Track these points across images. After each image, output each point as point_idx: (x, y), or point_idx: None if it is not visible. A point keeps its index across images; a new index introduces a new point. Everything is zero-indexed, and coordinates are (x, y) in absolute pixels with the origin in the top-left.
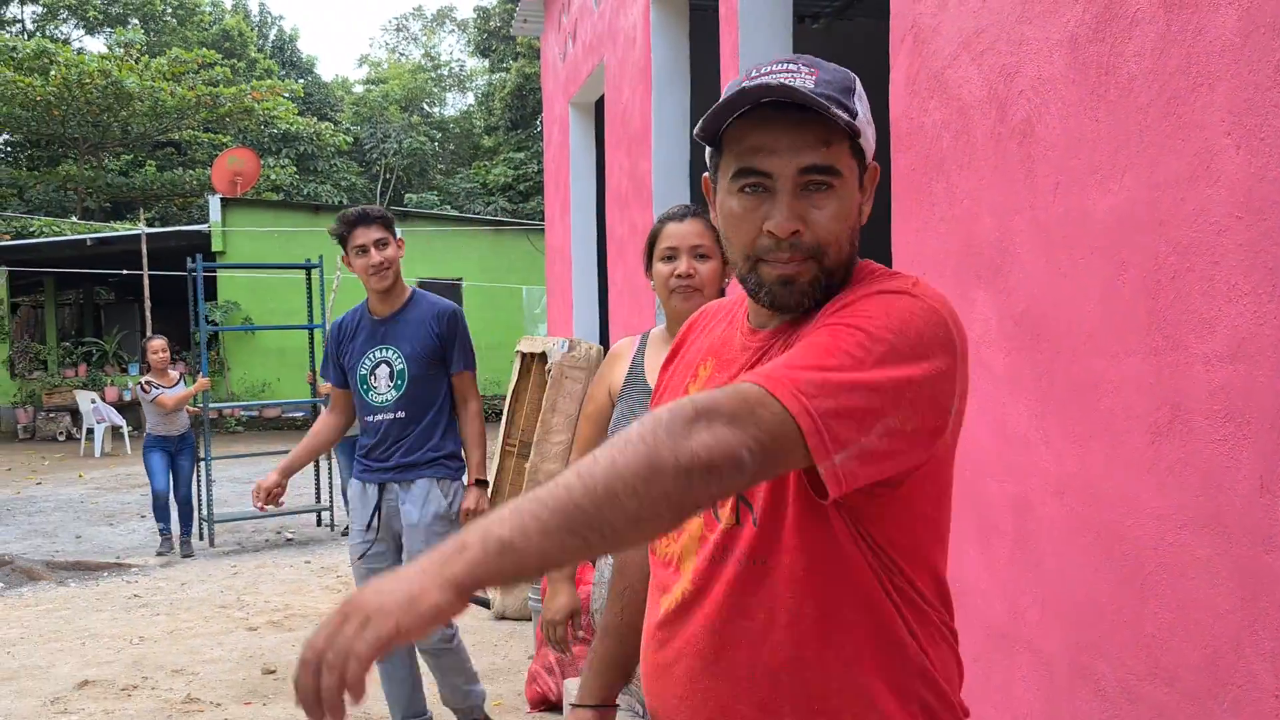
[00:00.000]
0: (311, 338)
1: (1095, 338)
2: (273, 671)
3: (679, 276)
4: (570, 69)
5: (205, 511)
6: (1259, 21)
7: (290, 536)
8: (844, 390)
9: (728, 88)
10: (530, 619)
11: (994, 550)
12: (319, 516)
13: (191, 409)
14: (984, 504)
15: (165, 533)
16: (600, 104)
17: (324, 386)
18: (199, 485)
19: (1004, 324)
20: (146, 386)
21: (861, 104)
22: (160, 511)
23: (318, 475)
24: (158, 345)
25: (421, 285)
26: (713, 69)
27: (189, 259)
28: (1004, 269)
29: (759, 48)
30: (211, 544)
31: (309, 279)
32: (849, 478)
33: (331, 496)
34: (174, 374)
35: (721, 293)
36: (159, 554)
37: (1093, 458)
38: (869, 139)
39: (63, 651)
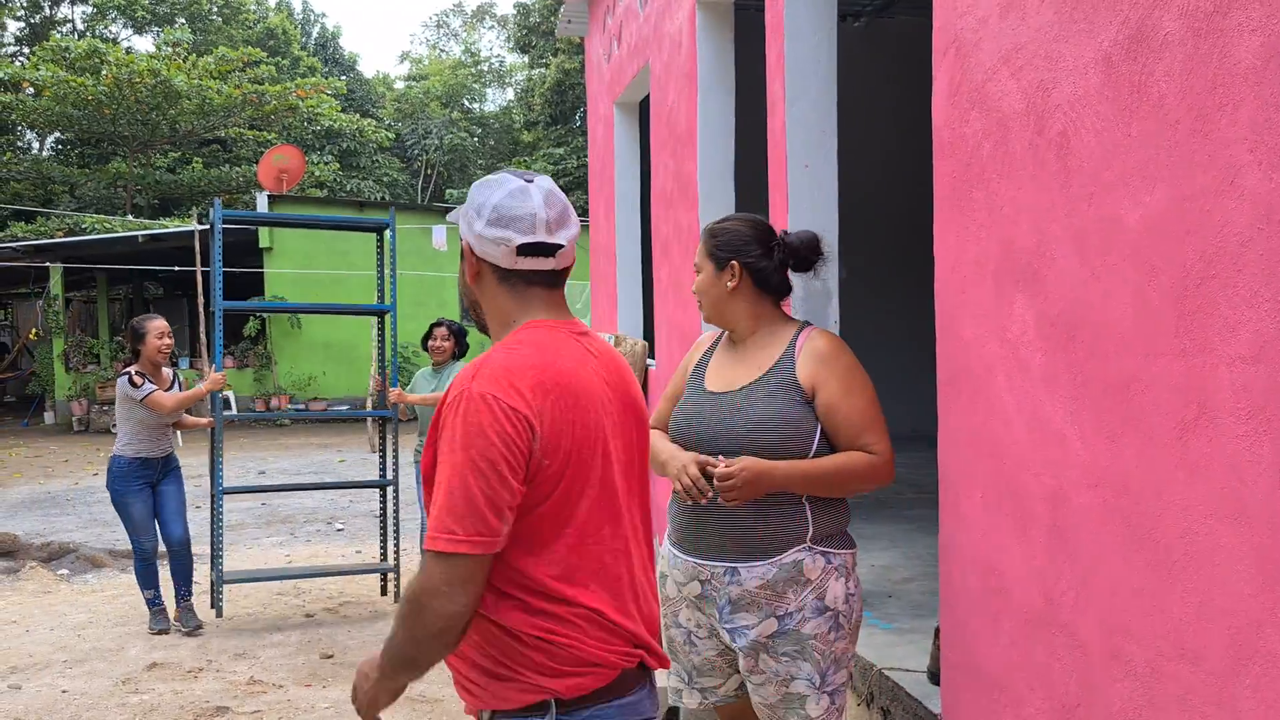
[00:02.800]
0: (381, 325)
1: (1127, 339)
2: (330, 656)
3: None
4: (615, 70)
5: (214, 568)
6: (1279, 48)
7: (340, 528)
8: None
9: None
10: None
11: (1032, 540)
12: (383, 583)
13: (195, 420)
14: (1022, 497)
15: (157, 604)
16: (644, 104)
17: (394, 393)
18: (213, 525)
19: (1041, 326)
20: (137, 379)
21: (468, 202)
22: (149, 575)
23: (384, 526)
24: (162, 328)
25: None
26: (757, 71)
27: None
28: (1041, 274)
29: (805, 51)
30: (219, 614)
31: (380, 243)
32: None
33: (398, 555)
34: (168, 373)
35: (700, 306)
36: (155, 631)
37: (1125, 452)
38: (460, 225)
39: (130, 635)
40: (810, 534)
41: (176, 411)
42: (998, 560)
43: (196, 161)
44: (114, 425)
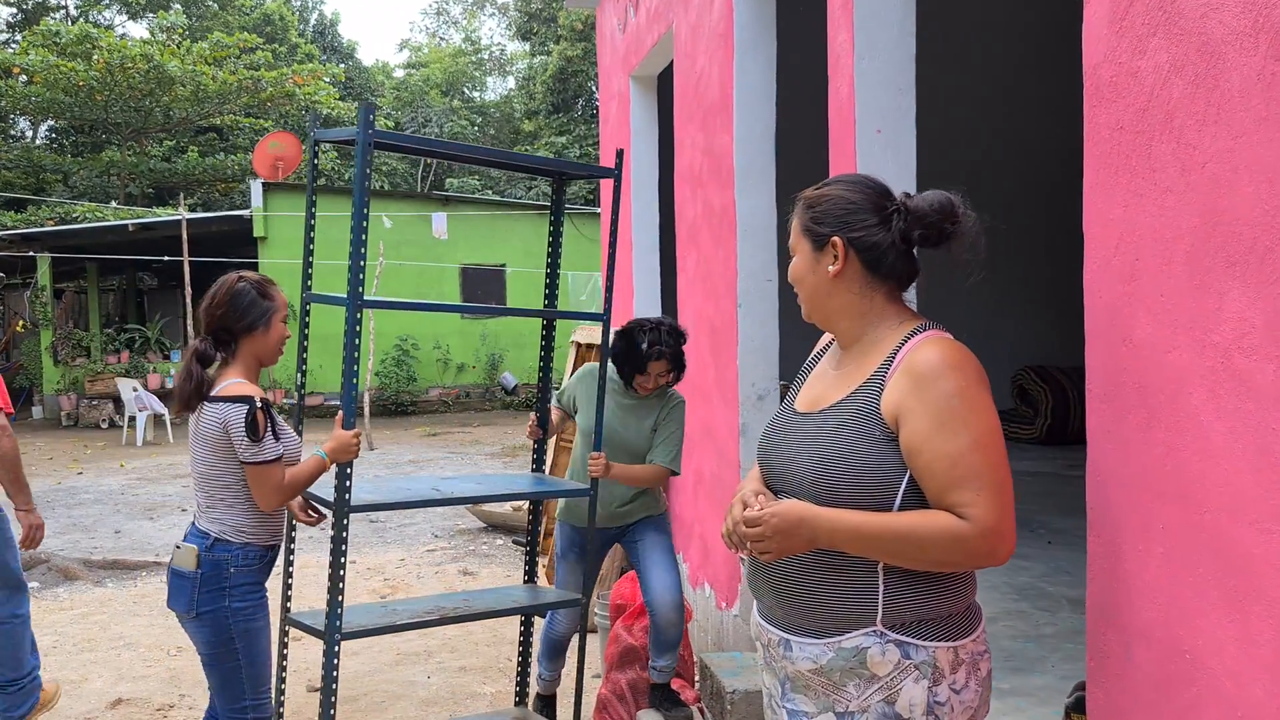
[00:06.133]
0: (550, 333)
1: None
2: (318, 689)
3: None
4: (631, 40)
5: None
6: None
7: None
8: None
9: None
10: (595, 632)
11: (1254, 619)
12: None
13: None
14: (1238, 556)
15: None
16: (664, 77)
17: (598, 461)
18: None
19: (1277, 325)
20: (263, 420)
21: None
22: None
23: (521, 656)
24: (286, 304)
25: (465, 271)
26: (800, 29)
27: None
28: (1277, 253)
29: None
30: None
31: (557, 195)
32: None
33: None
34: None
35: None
36: None
37: None
38: None
39: (96, 664)
40: (881, 616)
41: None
42: (1191, 639)
43: (192, 150)
44: (103, 421)
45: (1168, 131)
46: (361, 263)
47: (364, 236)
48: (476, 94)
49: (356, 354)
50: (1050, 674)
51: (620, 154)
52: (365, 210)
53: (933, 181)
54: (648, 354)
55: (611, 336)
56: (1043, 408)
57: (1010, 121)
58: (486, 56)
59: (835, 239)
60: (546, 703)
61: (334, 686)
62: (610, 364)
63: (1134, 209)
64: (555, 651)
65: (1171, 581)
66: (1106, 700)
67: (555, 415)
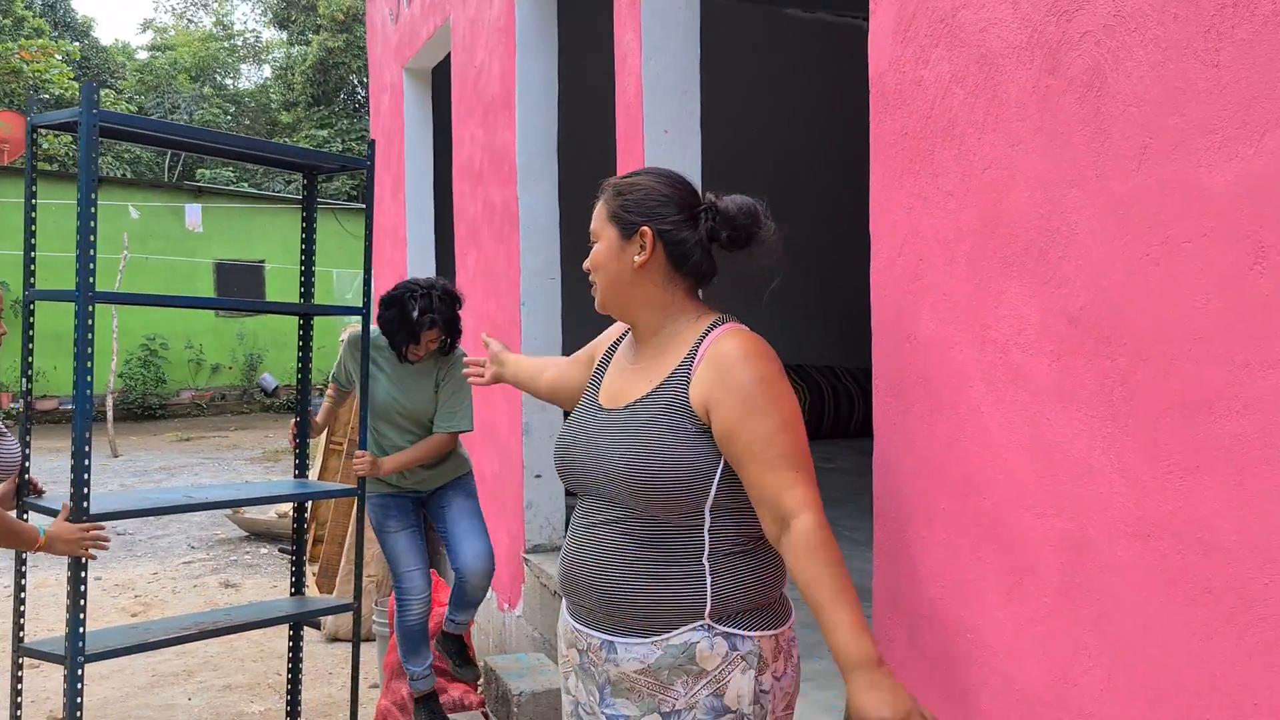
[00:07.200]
0: (308, 331)
1: (1209, 343)
2: None
3: None
4: (405, 32)
5: None
6: None
7: None
8: None
9: None
10: (373, 640)
11: (1030, 597)
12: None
13: None
14: (1015, 540)
15: None
16: (440, 69)
17: (363, 459)
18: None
19: (1051, 322)
20: None
21: None
22: None
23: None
24: None
25: (219, 267)
26: (584, 26)
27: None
28: (1050, 255)
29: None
30: None
31: (309, 193)
32: None
33: (358, 591)
34: None
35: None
36: None
37: (1204, 495)
38: None
39: None
40: (709, 609)
41: None
42: (972, 619)
43: None
44: None
45: (950, 138)
46: (91, 254)
47: (93, 225)
48: (230, 81)
49: (90, 353)
50: (826, 659)
51: (372, 145)
52: (93, 198)
53: (716, 183)
54: (419, 322)
55: (377, 306)
56: (801, 405)
57: (792, 130)
58: (240, 43)
59: (645, 229)
60: (425, 701)
61: (79, 716)
62: (379, 332)
63: (918, 212)
64: (417, 644)
65: (954, 565)
66: None
67: (325, 409)
